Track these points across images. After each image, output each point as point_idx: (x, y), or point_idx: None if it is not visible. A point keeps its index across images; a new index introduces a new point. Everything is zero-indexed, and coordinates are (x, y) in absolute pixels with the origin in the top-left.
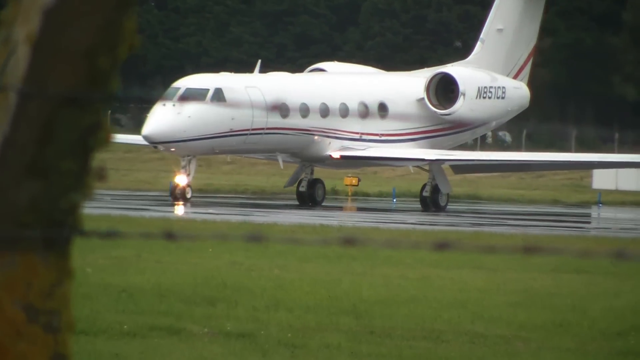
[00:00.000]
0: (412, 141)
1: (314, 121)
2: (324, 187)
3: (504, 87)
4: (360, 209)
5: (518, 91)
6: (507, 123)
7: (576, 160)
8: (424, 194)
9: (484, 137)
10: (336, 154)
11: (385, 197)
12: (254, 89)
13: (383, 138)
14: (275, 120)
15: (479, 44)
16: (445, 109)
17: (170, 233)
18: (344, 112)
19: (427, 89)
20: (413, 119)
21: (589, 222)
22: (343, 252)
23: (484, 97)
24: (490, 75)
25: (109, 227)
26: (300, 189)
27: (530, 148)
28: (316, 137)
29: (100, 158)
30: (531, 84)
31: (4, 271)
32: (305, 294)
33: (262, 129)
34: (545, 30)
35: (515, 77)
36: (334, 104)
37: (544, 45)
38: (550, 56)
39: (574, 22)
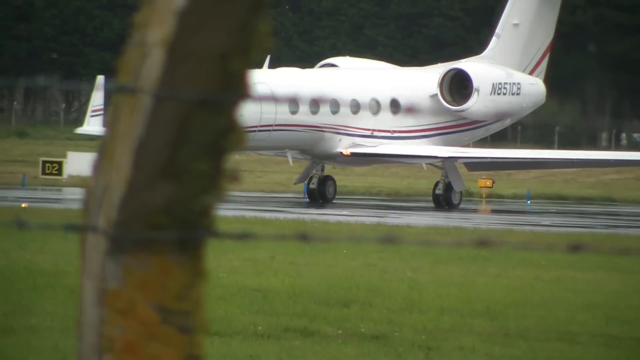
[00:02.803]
0: (425, 138)
1: (324, 117)
2: (335, 185)
3: (519, 84)
4: (494, 211)
5: (534, 87)
6: None
7: (593, 159)
8: (437, 192)
9: (618, 139)
10: (347, 151)
11: (519, 198)
12: (263, 85)
13: (395, 135)
14: (284, 117)
15: (494, 38)
16: (459, 105)
17: (304, 235)
18: (355, 108)
19: (441, 85)
20: (426, 115)
21: None
22: (477, 254)
23: (499, 94)
24: (506, 71)
25: (243, 228)
26: (311, 186)
27: None
28: (326, 134)
29: (234, 160)
30: (547, 80)
31: (139, 272)
32: (439, 296)
33: (271, 125)
34: None
35: (531, 73)
36: (344, 100)
37: None
38: None
39: None
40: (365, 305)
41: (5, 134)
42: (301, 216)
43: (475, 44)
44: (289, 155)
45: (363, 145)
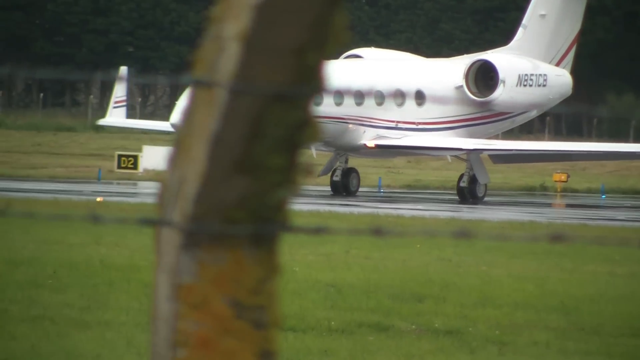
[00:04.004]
0: (450, 130)
1: (348, 109)
2: (359, 177)
3: (545, 75)
4: (569, 205)
5: (560, 79)
6: None
7: (621, 151)
8: (461, 184)
9: None
10: (371, 143)
11: (593, 193)
12: None
13: (419, 126)
14: None
15: (520, 29)
16: (485, 96)
17: (379, 229)
18: (380, 99)
19: (466, 76)
20: (451, 106)
21: None
22: (551, 248)
23: (525, 85)
24: (532, 62)
25: (318, 223)
26: (334, 178)
27: None
28: (350, 126)
29: (307, 154)
30: (574, 71)
31: (213, 266)
32: (513, 290)
33: None
34: None
35: (557, 64)
36: (369, 91)
37: None
38: None
39: None
40: (439, 300)
41: (82, 127)
42: (375, 210)
43: None
44: (312, 147)
45: (387, 137)
